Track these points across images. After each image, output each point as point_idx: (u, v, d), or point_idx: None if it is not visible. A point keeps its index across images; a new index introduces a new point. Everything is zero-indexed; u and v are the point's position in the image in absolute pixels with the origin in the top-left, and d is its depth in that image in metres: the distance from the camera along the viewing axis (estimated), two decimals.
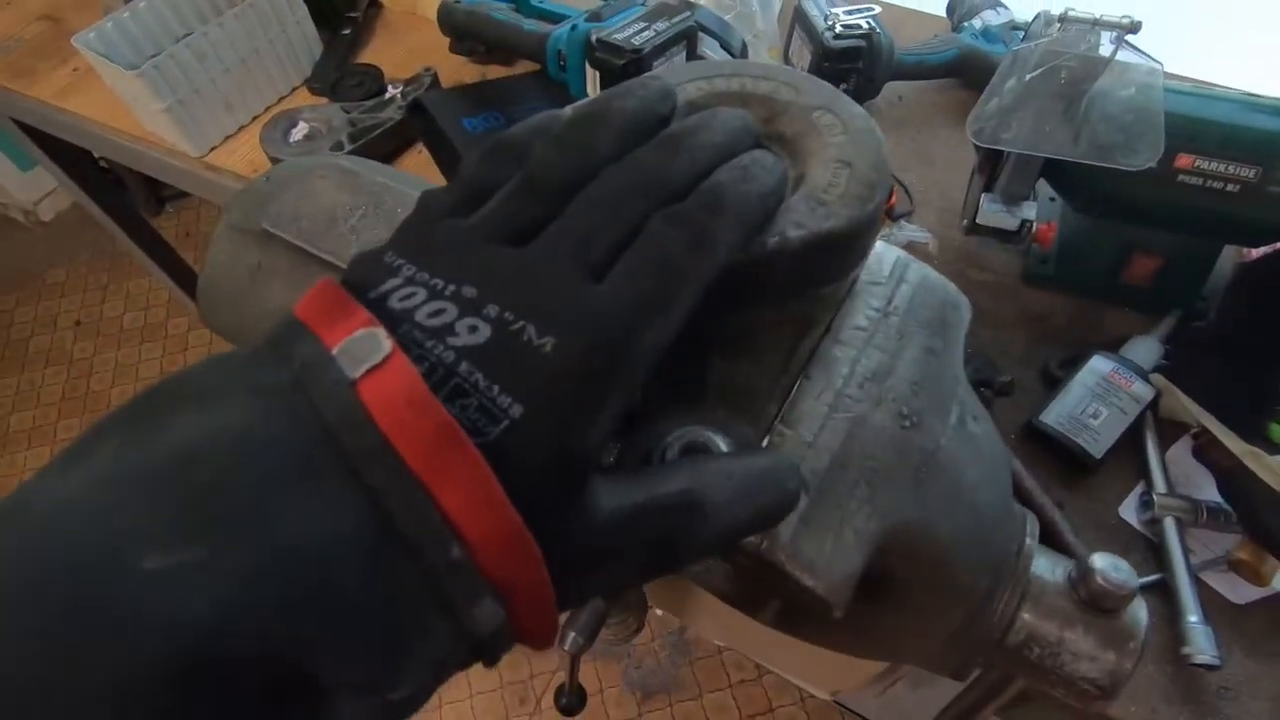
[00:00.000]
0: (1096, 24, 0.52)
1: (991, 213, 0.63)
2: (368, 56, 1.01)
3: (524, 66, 0.90)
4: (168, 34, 0.90)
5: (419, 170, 0.87)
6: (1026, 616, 0.29)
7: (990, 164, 0.64)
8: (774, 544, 0.23)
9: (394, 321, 0.18)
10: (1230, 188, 0.59)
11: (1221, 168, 0.58)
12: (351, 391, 0.16)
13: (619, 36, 0.67)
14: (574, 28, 0.70)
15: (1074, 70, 0.54)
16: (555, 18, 0.77)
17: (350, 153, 0.83)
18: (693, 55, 0.73)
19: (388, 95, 0.90)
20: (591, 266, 0.19)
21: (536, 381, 0.18)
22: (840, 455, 0.25)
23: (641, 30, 0.68)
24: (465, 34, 0.79)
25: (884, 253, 0.29)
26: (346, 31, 1.01)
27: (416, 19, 1.04)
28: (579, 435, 0.18)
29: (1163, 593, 0.58)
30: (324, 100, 0.93)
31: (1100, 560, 0.29)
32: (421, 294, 0.19)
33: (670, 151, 0.21)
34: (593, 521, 0.18)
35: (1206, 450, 0.61)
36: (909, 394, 0.26)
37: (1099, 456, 0.62)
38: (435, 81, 0.90)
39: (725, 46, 0.79)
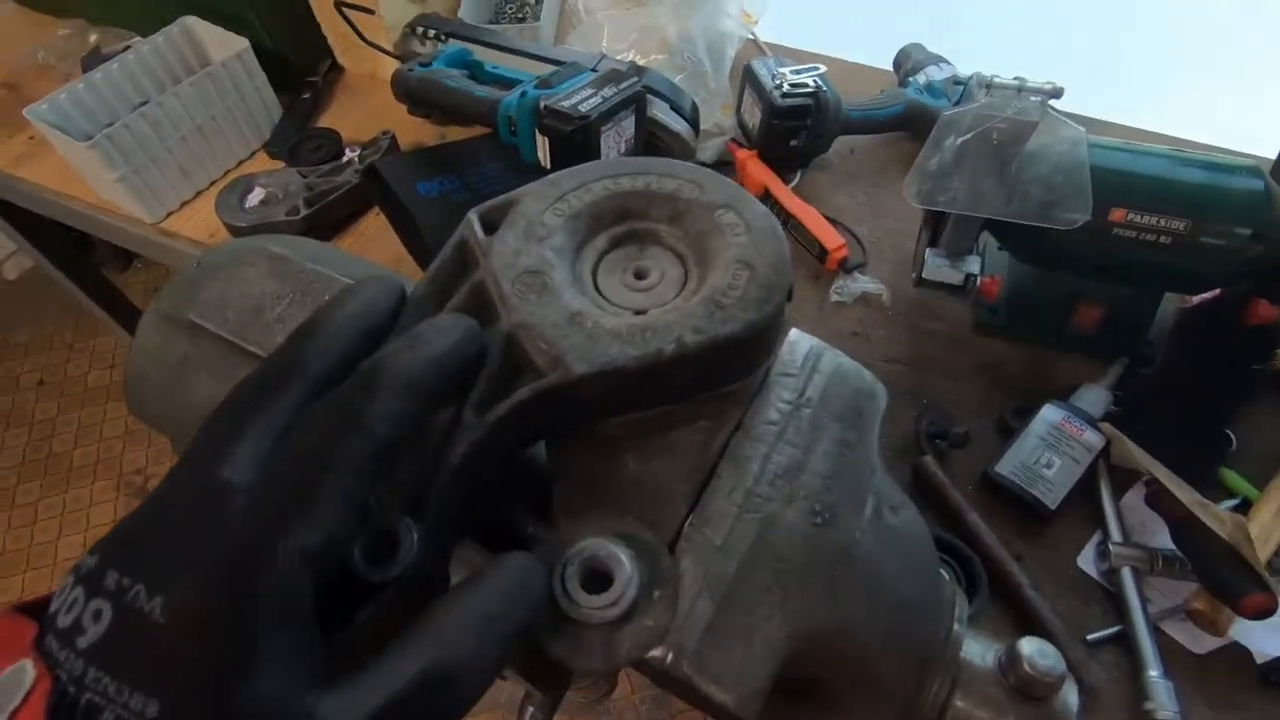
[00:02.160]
0: (1022, 90, 0.54)
1: (936, 267, 0.64)
2: (328, 120, 1.01)
3: (481, 128, 0.91)
4: (124, 103, 0.90)
5: (376, 234, 0.87)
6: (959, 704, 0.29)
7: (934, 220, 0.66)
8: (679, 655, 0.23)
9: (52, 638, 0.17)
10: (1163, 239, 0.61)
11: (1153, 220, 0.60)
12: None
13: (566, 104, 0.68)
14: (523, 94, 0.71)
15: (1004, 132, 0.55)
16: (508, 83, 0.78)
17: (306, 216, 0.84)
18: (642, 119, 0.74)
19: (345, 159, 0.91)
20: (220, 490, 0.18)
21: (161, 662, 0.16)
22: (750, 558, 0.24)
23: (589, 97, 0.69)
24: (419, 101, 0.80)
25: (797, 341, 0.29)
26: (306, 96, 1.02)
27: (377, 81, 1.06)
28: (238, 692, 0.16)
29: (1124, 645, 0.58)
30: (281, 164, 0.93)
31: (1028, 646, 0.28)
32: (75, 588, 0.17)
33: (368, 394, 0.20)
34: None
35: (1159, 498, 0.61)
36: (821, 489, 0.26)
37: (1053, 507, 0.62)
38: (393, 145, 0.91)
39: (675, 109, 0.81)
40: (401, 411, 0.20)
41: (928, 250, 0.66)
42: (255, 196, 0.86)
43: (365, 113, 1.02)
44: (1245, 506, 0.62)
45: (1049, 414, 0.65)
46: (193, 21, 0.94)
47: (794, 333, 0.29)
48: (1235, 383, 0.65)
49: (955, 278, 0.63)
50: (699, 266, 0.26)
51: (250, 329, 0.38)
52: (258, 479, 0.18)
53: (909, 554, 0.28)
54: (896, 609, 0.27)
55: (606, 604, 0.22)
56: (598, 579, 0.23)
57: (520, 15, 1.11)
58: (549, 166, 0.71)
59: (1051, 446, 0.64)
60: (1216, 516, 0.56)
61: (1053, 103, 0.54)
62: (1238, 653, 0.57)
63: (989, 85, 0.55)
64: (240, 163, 0.97)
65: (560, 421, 0.25)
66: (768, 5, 0.99)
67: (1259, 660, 0.56)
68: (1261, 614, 0.53)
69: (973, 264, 0.64)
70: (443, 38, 0.88)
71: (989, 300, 0.68)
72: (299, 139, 0.94)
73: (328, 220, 0.86)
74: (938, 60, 0.93)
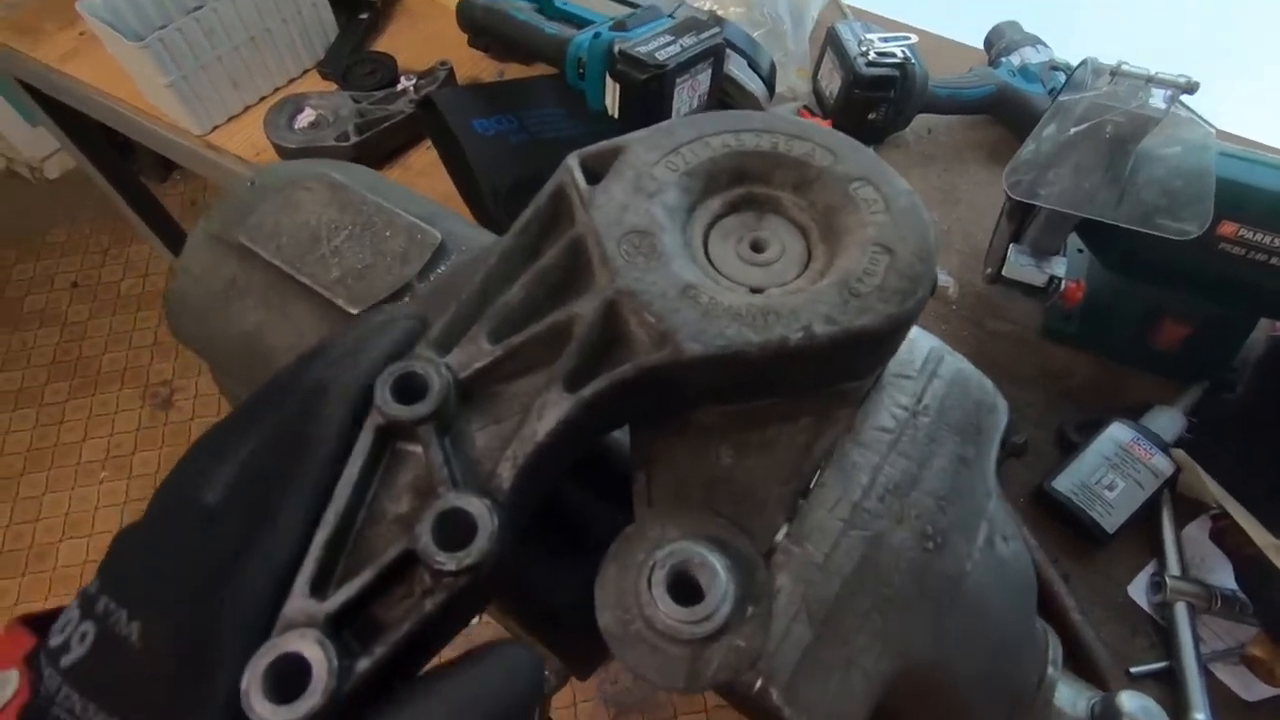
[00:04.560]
0: (1150, 81, 0.49)
1: (1019, 266, 0.60)
2: (385, 44, 0.97)
3: (543, 68, 0.87)
4: (178, 5, 0.86)
5: (426, 169, 0.84)
6: None
7: (1021, 214, 0.61)
8: (770, 683, 0.20)
9: (43, 654, 0.17)
10: (1274, 260, 0.56)
11: (1267, 239, 0.55)
12: None
13: (643, 50, 0.64)
14: (597, 35, 0.67)
15: (1121, 127, 0.50)
16: (579, 22, 0.74)
17: (356, 144, 0.80)
18: (719, 74, 0.70)
19: (400, 87, 0.87)
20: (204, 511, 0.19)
21: (130, 685, 0.16)
22: (853, 581, 0.22)
23: (667, 45, 0.64)
24: (484, 31, 0.75)
25: (918, 340, 0.26)
26: (364, 16, 0.97)
27: (438, 7, 1.01)
28: (199, 717, 0.16)
29: (1169, 681, 0.55)
30: (334, 86, 0.90)
31: (1129, 701, 0.26)
32: (74, 609, 0.18)
33: None
34: None
35: (1226, 534, 0.58)
36: (935, 510, 0.23)
37: (1111, 531, 0.59)
38: (450, 76, 0.87)
39: (753, 66, 0.76)
40: (345, 421, 0.20)
41: (1011, 246, 0.61)
42: (305, 118, 0.83)
43: (424, 40, 0.98)
44: None
45: (1117, 433, 0.62)
46: None
47: (914, 329, 0.26)
48: None
49: (1039, 278, 0.59)
50: (826, 244, 0.23)
51: (305, 259, 0.35)
52: (226, 501, 0.19)
53: (1014, 590, 0.25)
54: (997, 648, 0.25)
55: (699, 619, 0.19)
56: (686, 587, 0.20)
57: None
58: (616, 116, 0.67)
59: (1116, 467, 0.60)
60: None
61: (1184, 98, 0.49)
62: None
63: (1113, 72, 0.50)
64: (291, 80, 0.94)
65: (657, 405, 0.22)
66: None
67: None
68: None
69: (1059, 265, 0.60)
70: None
71: (1069, 306, 0.64)
72: (353, 61, 0.90)
73: (377, 150, 0.83)
74: (1034, 42, 0.87)
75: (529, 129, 0.76)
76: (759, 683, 0.20)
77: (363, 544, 0.19)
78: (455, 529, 0.18)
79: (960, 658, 0.23)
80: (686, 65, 0.64)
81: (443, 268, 0.35)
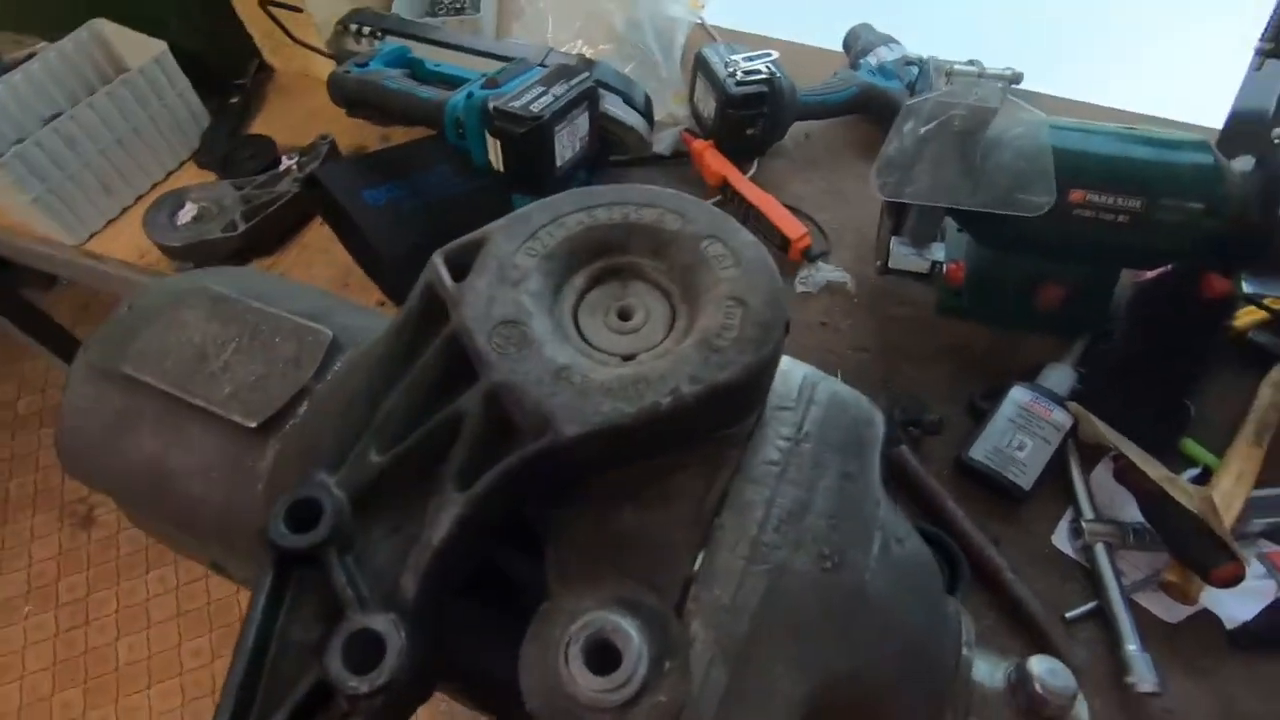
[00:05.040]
0: (981, 76, 0.53)
1: (903, 256, 0.64)
2: (261, 124, 0.96)
3: (427, 129, 0.87)
4: (33, 116, 0.83)
5: (322, 245, 0.83)
6: None
7: (896, 209, 0.65)
8: None
9: None
10: (1120, 218, 0.61)
11: (1110, 200, 0.60)
12: None
13: (517, 104, 0.65)
14: (470, 95, 0.68)
15: (966, 120, 0.55)
16: (453, 82, 0.75)
17: (245, 232, 0.79)
18: (595, 116, 0.72)
19: (283, 167, 0.86)
20: None
21: None
22: (761, 614, 0.23)
23: (540, 96, 0.66)
24: (359, 103, 0.75)
25: (790, 370, 0.28)
26: (235, 100, 0.96)
27: (311, 81, 1.00)
28: None
29: (1101, 620, 0.59)
30: (213, 177, 0.88)
31: (1038, 665, 0.28)
32: None
33: None
34: None
35: (1127, 473, 0.63)
36: (828, 530, 0.25)
37: (1028, 489, 0.63)
38: (333, 149, 0.86)
39: (628, 102, 0.78)
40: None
41: (893, 239, 0.65)
42: (187, 213, 0.81)
43: (301, 115, 0.97)
44: (1206, 475, 0.64)
45: (1017, 395, 0.66)
46: (102, 24, 0.87)
47: (786, 361, 0.28)
48: (1192, 355, 0.66)
49: (921, 266, 0.63)
50: (687, 303, 0.25)
51: (194, 379, 0.35)
52: None
53: (917, 586, 0.27)
54: (908, 647, 0.26)
55: (616, 686, 0.20)
56: (603, 654, 0.21)
57: (458, 6, 1.07)
58: (501, 169, 0.68)
59: (1022, 428, 0.64)
60: (1184, 490, 0.58)
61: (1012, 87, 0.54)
62: (1208, 620, 0.58)
63: (949, 73, 0.54)
64: (169, 174, 0.91)
65: (552, 483, 0.23)
66: None
67: (1228, 626, 0.58)
68: (1230, 583, 0.55)
69: (938, 251, 0.64)
70: (379, 34, 0.84)
71: (954, 285, 0.68)
72: (231, 147, 0.89)
73: (268, 234, 0.81)
74: (887, 41, 0.92)
75: (420, 193, 0.76)
76: None
77: (277, 677, 0.19)
78: (365, 649, 0.19)
79: (874, 664, 0.25)
80: (562, 113, 0.66)
81: (339, 364, 0.35)
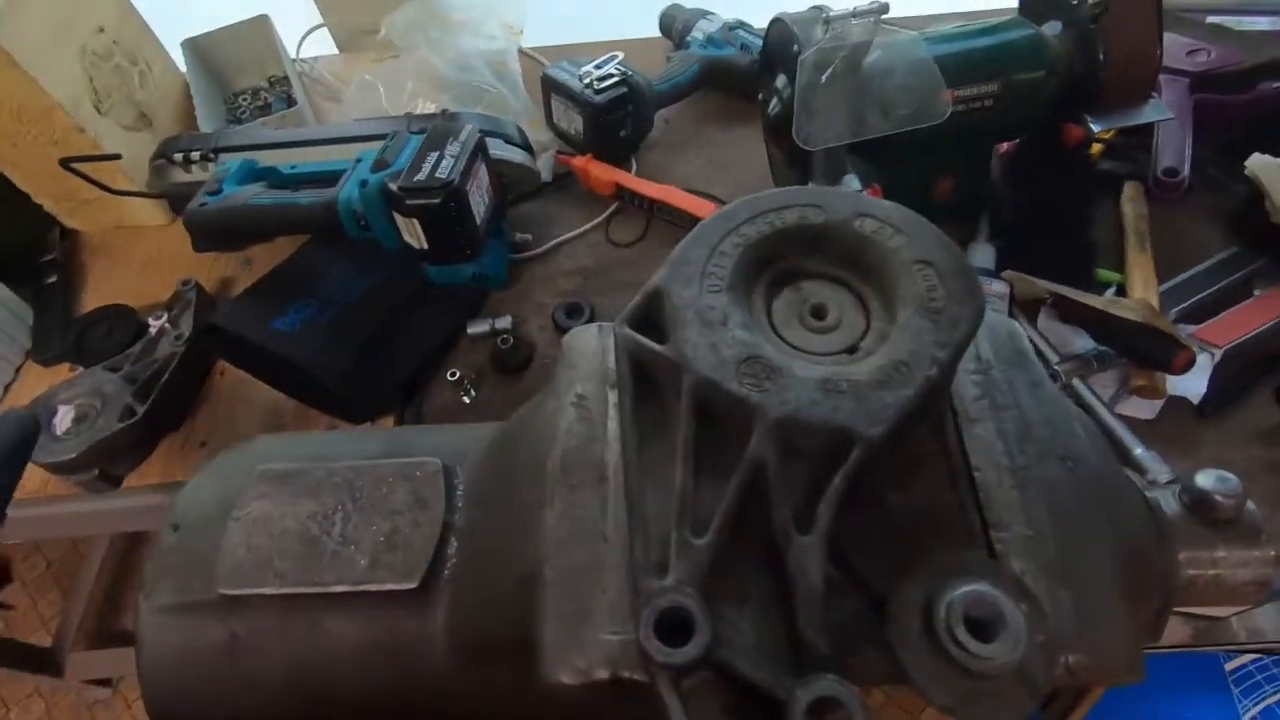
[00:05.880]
0: (855, 14, 0.58)
1: None
2: (93, 296, 0.84)
3: (288, 240, 0.80)
4: None
5: (238, 390, 0.75)
6: (1181, 558, 0.31)
7: (802, 159, 0.69)
8: (1073, 652, 0.23)
9: None
10: (987, 103, 0.69)
11: (974, 90, 0.68)
12: None
13: (420, 177, 0.62)
14: (364, 184, 0.64)
15: (850, 59, 0.59)
16: (323, 179, 0.69)
17: (148, 412, 0.69)
18: (489, 162, 0.70)
19: (153, 329, 0.76)
20: None
21: None
22: (1056, 529, 0.25)
23: (438, 161, 0.63)
24: (229, 233, 0.68)
25: None
26: (52, 279, 0.83)
27: (128, 231, 0.89)
28: None
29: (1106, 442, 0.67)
30: (66, 371, 0.76)
31: (1204, 479, 0.32)
32: None
33: None
34: None
35: (1069, 312, 0.71)
36: (1052, 436, 0.27)
37: None
38: (201, 292, 0.78)
39: (508, 140, 0.77)
40: None
41: (810, 185, 0.69)
42: (64, 418, 0.69)
43: (134, 270, 0.86)
44: (1121, 291, 0.74)
45: None
46: None
47: None
48: (1076, 195, 0.76)
49: None
50: (869, 283, 0.25)
51: (317, 567, 0.30)
52: None
53: (1103, 449, 0.30)
54: (1129, 501, 0.29)
55: (1011, 646, 0.21)
56: (978, 625, 0.22)
57: (260, 104, 0.99)
58: (425, 246, 0.64)
59: None
60: (1124, 306, 0.67)
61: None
62: (1177, 403, 0.68)
63: (826, 20, 0.58)
64: (7, 388, 0.78)
65: (852, 494, 0.23)
66: (525, 12, 0.97)
67: (1195, 401, 0.67)
68: (1188, 367, 0.64)
69: (854, 182, 0.68)
70: (211, 156, 0.76)
71: None
72: (79, 330, 0.77)
73: (172, 405, 0.72)
74: (703, 14, 0.97)
75: (333, 301, 0.71)
76: (1068, 659, 0.22)
77: None
78: (822, 710, 0.18)
79: (1129, 523, 0.27)
80: (466, 172, 0.63)
81: (460, 485, 0.32)
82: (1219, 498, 0.32)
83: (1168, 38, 0.70)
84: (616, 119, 0.84)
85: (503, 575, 0.28)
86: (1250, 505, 0.33)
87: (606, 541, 0.23)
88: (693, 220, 0.82)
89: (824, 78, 0.58)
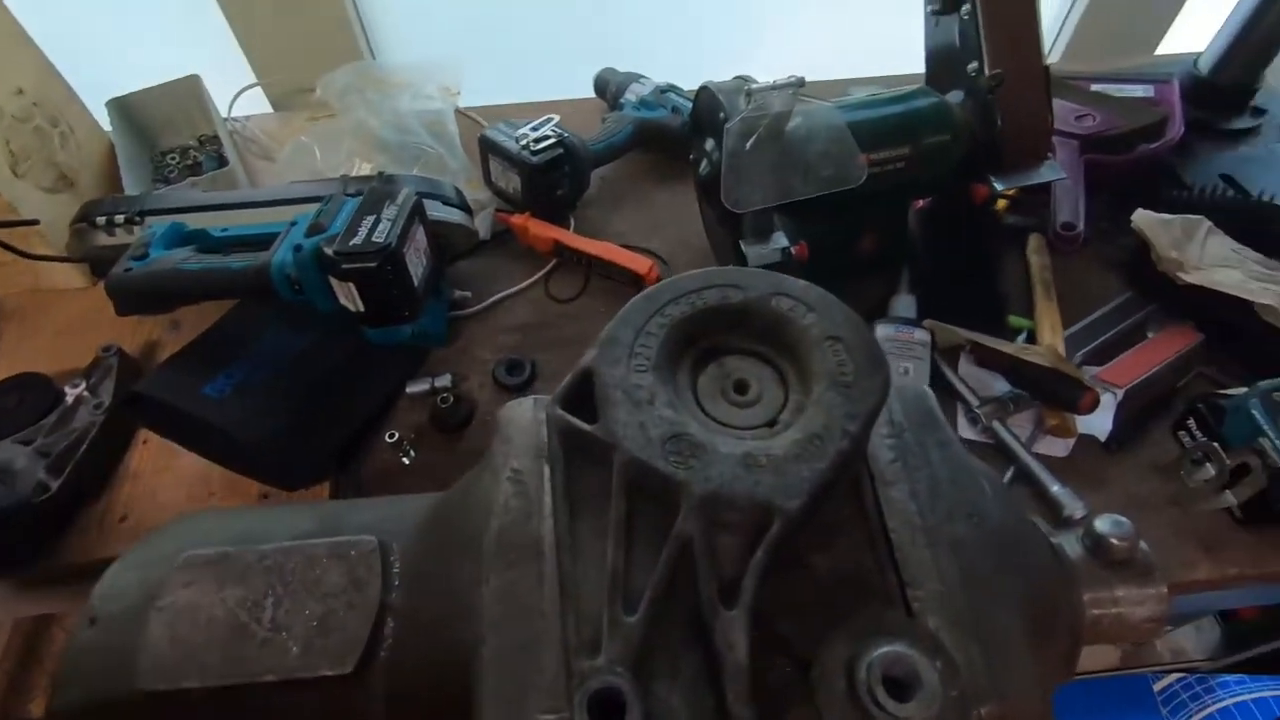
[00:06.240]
0: (774, 88, 0.61)
1: (758, 255, 0.71)
2: (5, 366, 0.80)
3: (215, 304, 0.78)
4: None
5: (162, 461, 0.72)
6: (1086, 599, 0.34)
7: (733, 220, 0.72)
8: (984, 703, 0.24)
9: None
10: (899, 164, 0.74)
11: (888, 154, 0.73)
12: None
13: (356, 241, 0.62)
14: (299, 248, 0.63)
15: (773, 127, 0.63)
16: (255, 242, 0.69)
17: (62, 486, 0.66)
18: (426, 224, 0.70)
19: (70, 398, 0.73)
20: None
21: None
22: (967, 585, 0.26)
23: (373, 225, 0.64)
24: (157, 298, 0.66)
25: None
26: None
27: (43, 296, 0.86)
28: None
29: (1025, 480, 0.70)
30: None
31: (1101, 524, 0.34)
32: None
33: None
34: None
35: (984, 358, 0.76)
36: (958, 494, 0.29)
37: None
38: (124, 358, 0.75)
39: (445, 201, 0.78)
40: None
41: (741, 243, 0.72)
42: None
43: (48, 336, 0.83)
44: (1031, 337, 0.79)
45: (882, 331, 0.76)
46: None
47: None
48: (984, 249, 0.82)
49: (774, 256, 0.70)
50: (785, 359, 0.27)
51: (246, 658, 0.30)
52: None
53: (1008, 500, 0.32)
54: (1033, 550, 0.31)
55: (929, 704, 0.22)
56: (897, 685, 0.23)
57: (189, 163, 0.98)
58: (362, 309, 0.64)
59: (900, 356, 0.75)
60: (1034, 353, 0.71)
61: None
62: (1085, 442, 0.72)
63: (748, 92, 0.62)
64: None
65: (776, 561, 0.25)
66: (462, 74, 0.99)
67: (1102, 439, 0.72)
68: (1093, 407, 0.69)
69: (781, 239, 0.72)
70: (136, 218, 0.74)
71: (803, 262, 0.77)
72: None
73: (89, 478, 0.69)
74: (637, 77, 1.01)
75: (264, 364, 0.69)
76: (983, 713, 0.24)
77: None
78: None
79: (1035, 574, 0.29)
80: (403, 235, 0.64)
81: (396, 562, 0.32)
82: (1114, 540, 0.34)
83: (1057, 104, 0.77)
84: (553, 179, 0.86)
85: (441, 655, 0.28)
86: (1143, 545, 0.36)
87: (544, 617, 0.24)
88: (630, 275, 0.84)
89: (749, 144, 0.62)
